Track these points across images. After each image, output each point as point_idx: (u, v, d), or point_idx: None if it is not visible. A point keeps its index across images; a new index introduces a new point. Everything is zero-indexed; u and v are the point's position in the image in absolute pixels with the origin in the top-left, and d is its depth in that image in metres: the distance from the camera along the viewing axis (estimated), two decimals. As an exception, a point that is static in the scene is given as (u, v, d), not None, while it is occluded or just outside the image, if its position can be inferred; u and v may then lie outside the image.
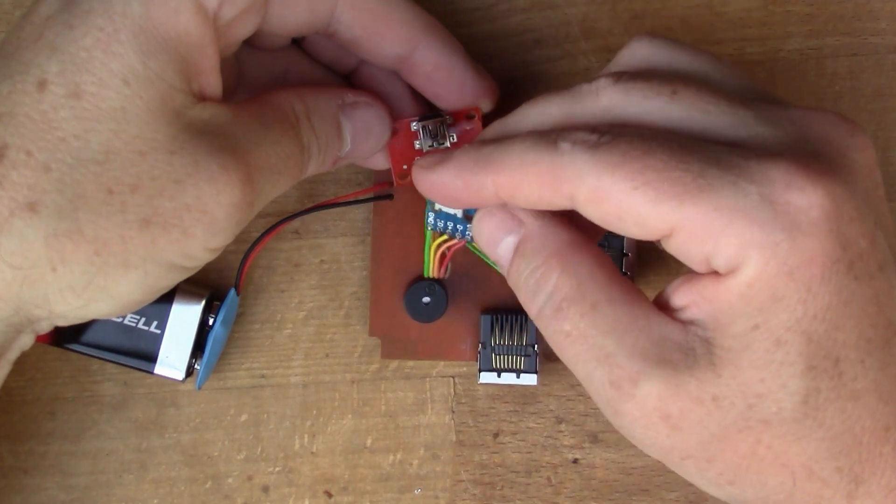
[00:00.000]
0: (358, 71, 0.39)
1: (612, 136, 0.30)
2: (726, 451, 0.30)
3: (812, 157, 0.30)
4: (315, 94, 0.36)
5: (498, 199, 0.32)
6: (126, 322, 0.40)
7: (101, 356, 0.40)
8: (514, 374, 0.41)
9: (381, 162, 0.39)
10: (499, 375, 0.41)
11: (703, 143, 0.30)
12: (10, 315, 0.32)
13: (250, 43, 0.36)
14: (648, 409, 0.30)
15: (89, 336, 0.40)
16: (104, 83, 0.31)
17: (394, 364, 0.42)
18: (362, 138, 0.37)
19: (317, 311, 0.42)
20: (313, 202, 0.41)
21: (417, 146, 0.39)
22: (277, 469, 0.42)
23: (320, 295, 0.42)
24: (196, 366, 0.40)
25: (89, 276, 0.32)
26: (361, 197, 0.41)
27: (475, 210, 0.34)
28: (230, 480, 0.42)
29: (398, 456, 0.42)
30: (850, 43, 0.42)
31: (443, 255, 0.40)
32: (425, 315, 0.41)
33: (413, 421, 0.42)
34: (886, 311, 0.30)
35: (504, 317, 0.41)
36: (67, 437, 0.42)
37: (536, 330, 0.40)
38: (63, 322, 0.33)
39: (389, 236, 0.41)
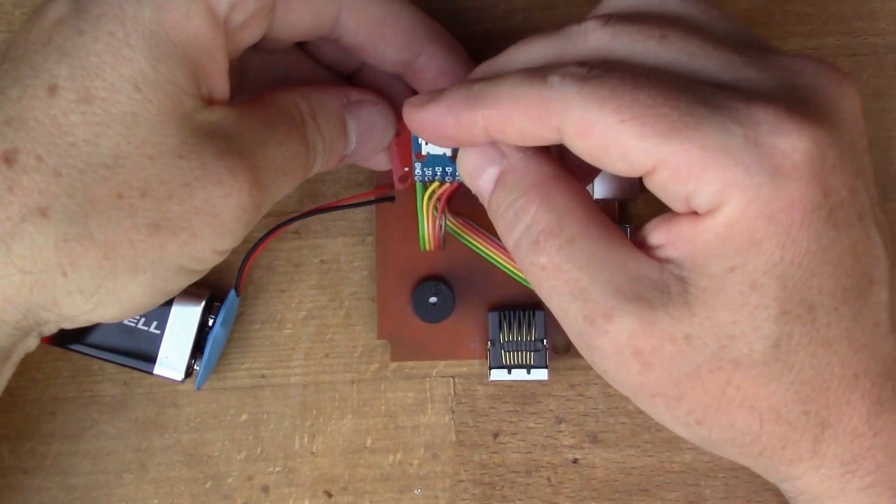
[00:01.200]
0: (360, 72, 0.39)
1: (602, 70, 0.30)
2: (696, 391, 0.31)
3: (800, 103, 0.30)
4: (319, 94, 0.36)
5: (488, 136, 0.32)
6: (126, 322, 0.40)
7: (101, 356, 0.40)
8: (524, 370, 0.41)
9: (382, 163, 0.39)
10: (509, 372, 0.41)
11: (692, 82, 0.30)
12: (19, 319, 0.32)
13: (253, 45, 0.36)
14: (621, 345, 0.30)
15: (90, 336, 0.40)
16: (115, 88, 0.31)
17: (394, 364, 0.42)
18: (367, 136, 0.37)
19: (317, 311, 0.42)
20: (314, 203, 0.41)
21: (417, 149, 0.39)
22: (277, 469, 0.42)
23: (320, 295, 0.42)
24: (196, 366, 0.41)
25: (99, 280, 0.32)
26: (363, 199, 0.41)
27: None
28: (230, 480, 0.42)
29: (398, 456, 0.42)
30: (850, 43, 0.42)
31: (435, 219, 0.39)
32: (433, 315, 0.41)
33: (413, 421, 0.42)
34: (863, 260, 0.30)
35: (512, 313, 0.41)
36: (68, 437, 0.42)
37: (545, 325, 0.41)
38: (71, 324, 0.33)
39: (393, 238, 0.41)
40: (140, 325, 0.40)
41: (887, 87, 0.42)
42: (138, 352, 0.40)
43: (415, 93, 0.39)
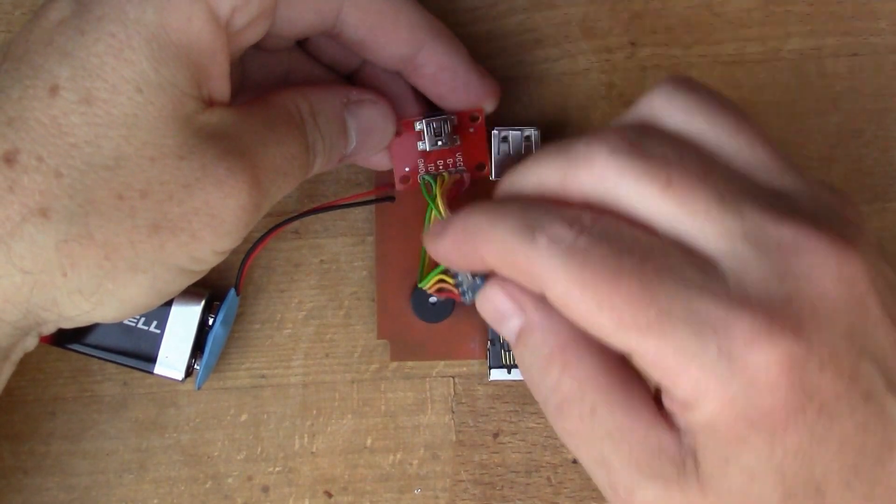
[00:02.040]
0: (361, 71, 0.39)
1: (588, 239, 0.30)
2: None
3: (782, 304, 0.29)
4: (319, 93, 0.36)
5: (489, 267, 0.32)
6: (126, 322, 0.40)
7: (101, 356, 0.40)
8: None
9: (383, 162, 0.39)
10: (509, 372, 0.41)
11: (678, 264, 0.29)
12: (18, 319, 0.32)
13: (255, 44, 0.36)
14: None
15: (89, 336, 0.40)
16: (116, 90, 0.31)
17: (394, 364, 0.42)
18: (367, 136, 0.37)
19: (317, 311, 0.42)
20: (314, 202, 0.41)
21: (421, 147, 0.39)
22: (277, 469, 0.42)
23: (320, 295, 0.42)
24: (196, 366, 0.40)
25: (98, 281, 0.32)
26: (363, 199, 0.41)
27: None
28: (230, 480, 0.42)
29: (398, 456, 0.42)
30: (850, 43, 0.42)
31: (440, 290, 0.38)
32: (433, 315, 0.41)
33: (413, 421, 0.42)
34: (877, 433, 0.29)
35: None
36: (67, 437, 0.42)
37: None
38: (70, 324, 0.33)
39: (393, 238, 0.41)
40: (140, 325, 0.40)
41: (887, 87, 0.42)
42: (138, 351, 0.40)
43: (416, 93, 0.39)
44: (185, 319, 0.40)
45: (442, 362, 0.42)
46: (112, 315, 0.33)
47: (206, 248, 0.33)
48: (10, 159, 0.31)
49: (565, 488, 0.42)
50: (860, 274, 0.29)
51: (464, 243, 0.33)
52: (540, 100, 0.42)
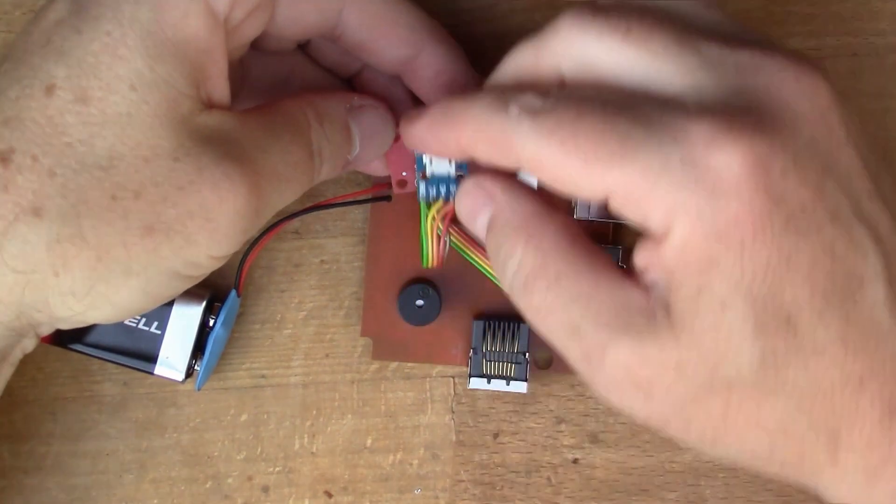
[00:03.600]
0: (360, 75, 0.39)
1: (555, 101, 0.31)
2: (700, 416, 0.30)
3: (742, 112, 0.29)
4: (325, 100, 0.36)
5: (464, 154, 0.33)
6: (127, 323, 0.40)
7: (101, 356, 0.40)
8: (504, 381, 0.41)
9: (380, 168, 0.39)
10: (489, 382, 0.41)
11: (638, 101, 0.30)
12: (11, 319, 0.32)
13: (256, 46, 0.36)
14: (619, 379, 0.30)
15: (90, 336, 0.40)
16: (111, 88, 0.31)
17: (394, 364, 0.42)
18: (369, 141, 0.37)
19: (317, 311, 0.42)
20: (313, 202, 0.41)
21: (421, 168, 0.39)
22: (277, 469, 0.42)
23: (320, 295, 0.42)
24: (196, 367, 0.40)
25: (91, 282, 0.32)
26: (360, 197, 0.41)
27: (465, 169, 0.36)
28: (230, 480, 0.42)
29: (398, 456, 0.42)
30: (850, 43, 0.42)
31: (439, 236, 0.38)
32: (418, 318, 0.41)
33: (413, 421, 0.42)
34: (846, 260, 0.29)
35: (497, 323, 0.41)
36: (68, 437, 0.42)
37: (528, 338, 0.41)
38: (64, 325, 0.33)
39: (386, 237, 0.41)
40: (141, 326, 0.40)
41: (887, 87, 0.42)
42: (139, 352, 0.40)
43: (414, 97, 0.39)
44: (185, 320, 0.40)
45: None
46: (104, 317, 0.33)
47: (202, 253, 0.32)
48: (5, 158, 0.31)
49: (565, 488, 0.42)
50: (822, 89, 0.30)
51: (441, 124, 0.33)
52: (540, 100, 0.42)
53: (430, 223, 0.38)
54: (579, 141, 0.29)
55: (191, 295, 0.40)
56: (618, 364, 0.30)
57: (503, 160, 0.32)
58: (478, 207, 0.34)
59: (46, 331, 0.34)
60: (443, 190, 0.37)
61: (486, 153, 0.32)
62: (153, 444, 0.42)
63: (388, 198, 0.41)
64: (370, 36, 0.37)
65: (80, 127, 0.31)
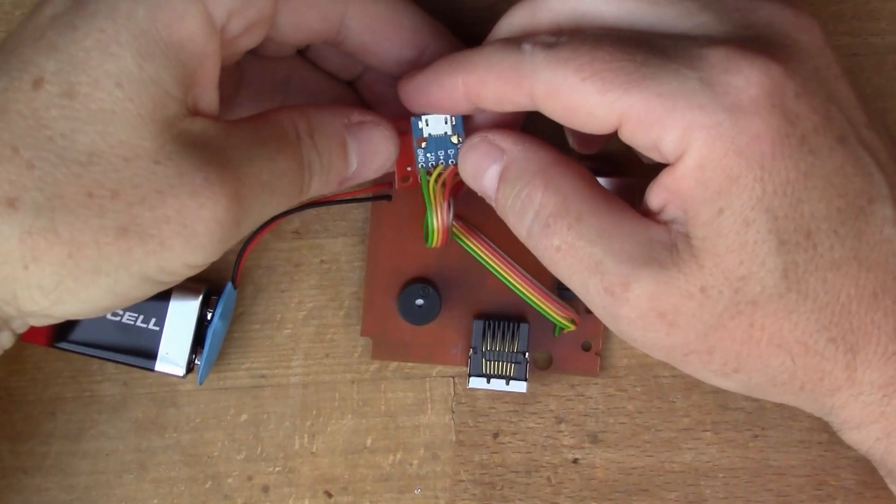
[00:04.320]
0: (362, 78, 0.39)
1: (569, 36, 0.32)
2: (724, 340, 0.31)
3: (753, 40, 0.31)
4: (320, 112, 0.35)
5: (469, 101, 0.34)
6: (124, 320, 0.40)
7: (100, 356, 0.40)
8: (503, 381, 0.41)
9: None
10: (488, 381, 0.41)
11: (650, 36, 0.31)
12: None
13: (254, 51, 0.36)
14: (644, 310, 0.31)
15: (89, 336, 0.40)
16: (98, 84, 0.31)
17: (394, 364, 0.42)
18: (369, 159, 0.36)
19: (317, 311, 0.42)
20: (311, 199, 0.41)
21: (418, 134, 0.38)
22: (277, 469, 0.42)
23: (320, 295, 0.42)
24: (196, 361, 0.40)
25: (59, 278, 0.31)
26: (360, 196, 0.41)
27: (462, 130, 0.36)
28: (230, 480, 0.42)
29: (398, 456, 0.42)
30: (850, 43, 0.42)
31: (445, 209, 0.38)
32: (418, 317, 0.41)
33: (413, 421, 0.42)
34: (855, 181, 0.31)
35: (496, 323, 0.41)
36: (67, 437, 0.42)
37: (528, 338, 0.41)
38: (34, 321, 0.33)
39: (386, 237, 0.41)
40: (139, 323, 0.40)
41: (887, 87, 0.42)
42: (138, 349, 0.40)
43: None
44: (183, 315, 0.40)
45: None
46: (72, 312, 0.33)
47: (176, 260, 0.32)
48: None
49: (565, 488, 0.42)
50: (816, 27, 0.32)
51: (446, 73, 0.34)
52: (540, 100, 0.42)
53: (433, 191, 0.37)
54: (596, 67, 0.31)
55: (187, 289, 0.40)
56: (642, 296, 0.31)
57: (515, 96, 0.32)
58: (486, 162, 0.35)
59: (19, 326, 0.33)
60: (441, 154, 0.37)
61: (496, 93, 0.33)
62: (153, 444, 0.42)
63: (388, 197, 0.41)
64: (373, 39, 0.37)
65: (63, 121, 0.31)
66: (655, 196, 0.32)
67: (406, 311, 0.41)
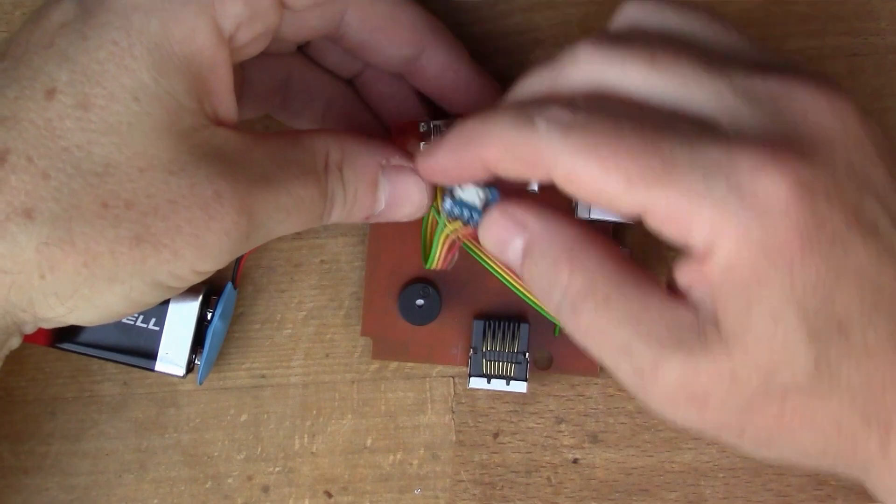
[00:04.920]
0: (362, 75, 0.39)
1: (586, 114, 0.31)
2: (756, 421, 0.31)
3: (783, 138, 0.30)
4: (357, 145, 0.35)
5: (489, 172, 0.33)
6: (125, 321, 0.40)
7: (101, 356, 0.40)
8: (504, 381, 0.41)
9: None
10: (489, 381, 0.41)
11: (675, 122, 0.30)
12: None
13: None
14: (674, 393, 0.31)
15: (88, 336, 0.40)
16: (114, 97, 0.31)
17: (394, 364, 0.42)
18: (399, 204, 0.36)
19: (317, 311, 0.42)
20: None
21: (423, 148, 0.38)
22: (277, 469, 0.42)
23: (320, 295, 0.42)
24: (196, 361, 0.40)
25: (75, 286, 0.32)
26: None
27: (494, 194, 0.35)
28: (230, 480, 0.42)
29: (398, 456, 0.42)
30: (850, 43, 0.42)
31: (452, 244, 0.38)
32: (418, 318, 0.41)
33: (413, 421, 0.42)
34: (891, 269, 0.30)
35: (497, 323, 0.41)
36: (67, 437, 0.42)
37: (528, 338, 0.41)
38: (47, 325, 0.33)
39: (386, 237, 0.41)
40: (139, 323, 0.40)
41: (887, 87, 0.42)
42: (138, 349, 0.40)
43: (419, 95, 0.39)
44: (183, 315, 0.40)
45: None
46: (87, 319, 0.33)
47: (187, 267, 0.32)
48: (0, 158, 0.31)
49: (565, 488, 0.42)
50: (852, 112, 0.31)
51: (461, 149, 0.33)
52: (540, 100, 0.42)
53: (445, 237, 0.37)
54: (621, 160, 0.30)
55: (187, 290, 0.40)
56: (671, 379, 0.31)
57: (533, 174, 0.32)
58: (508, 236, 0.34)
59: (30, 329, 0.34)
60: (466, 214, 0.36)
61: (514, 171, 0.32)
62: (153, 443, 0.42)
63: None
64: (372, 36, 0.37)
65: (79, 133, 0.31)
66: (683, 276, 0.31)
67: (406, 311, 0.41)
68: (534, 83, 0.33)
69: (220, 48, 0.32)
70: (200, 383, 0.41)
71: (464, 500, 0.42)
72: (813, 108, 0.31)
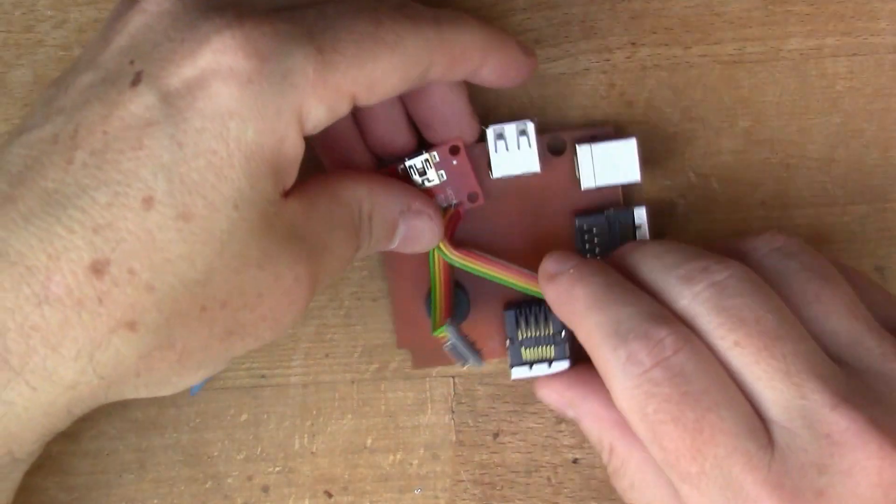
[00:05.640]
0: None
1: (663, 374, 0.32)
2: None
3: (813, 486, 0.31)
4: (385, 195, 0.36)
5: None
6: None
7: None
8: (546, 364, 0.40)
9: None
10: (531, 368, 0.40)
11: (729, 432, 0.32)
12: (84, 410, 0.33)
13: None
14: None
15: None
16: (215, 207, 0.31)
17: (394, 364, 0.42)
18: (410, 244, 0.38)
19: (317, 311, 0.42)
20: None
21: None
22: (277, 469, 0.42)
23: (320, 295, 0.42)
24: None
25: (167, 378, 0.33)
26: None
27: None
28: (230, 480, 0.42)
29: (398, 456, 0.42)
30: (850, 43, 0.42)
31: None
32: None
33: (413, 421, 0.42)
34: None
35: (528, 309, 0.40)
36: (67, 437, 0.42)
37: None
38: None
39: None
40: None
41: (887, 87, 0.42)
42: None
43: (409, 122, 0.39)
44: None
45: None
46: (161, 394, 0.34)
47: (260, 344, 0.34)
48: (98, 270, 0.30)
49: (565, 488, 0.42)
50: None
51: (564, 304, 0.36)
52: (540, 100, 0.42)
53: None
54: (666, 444, 0.32)
55: None
56: None
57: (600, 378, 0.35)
58: (560, 405, 0.39)
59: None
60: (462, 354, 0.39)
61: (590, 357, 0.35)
62: (153, 443, 0.42)
63: None
64: (432, 121, 0.38)
65: (182, 244, 0.31)
66: None
67: None
68: (661, 274, 0.35)
69: (302, 146, 0.33)
70: (193, 394, 0.41)
71: (464, 500, 0.42)
72: (860, 472, 0.31)
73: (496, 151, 0.39)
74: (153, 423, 0.42)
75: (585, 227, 0.40)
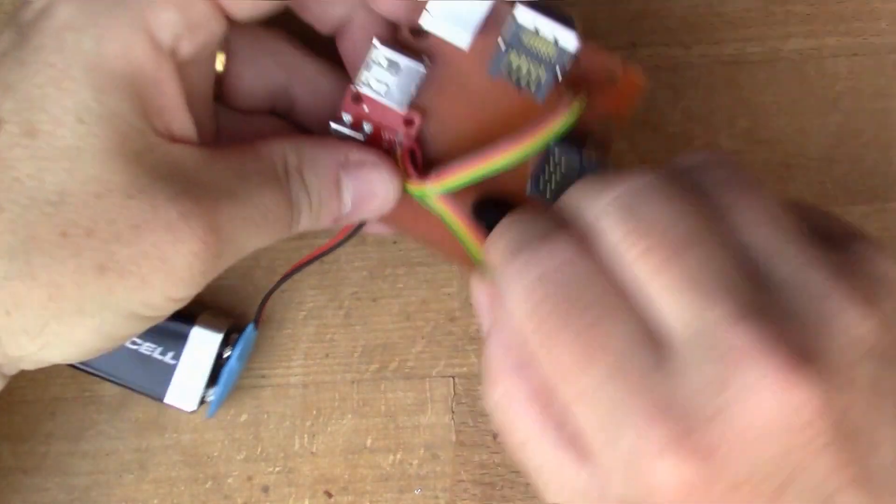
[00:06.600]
0: (346, 29, 0.37)
1: (555, 281, 0.30)
2: None
3: (705, 424, 0.28)
4: (314, 147, 0.35)
5: None
6: (142, 351, 0.39)
7: (112, 380, 0.40)
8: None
9: (381, 229, 0.38)
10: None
11: (624, 341, 0.29)
12: None
13: (226, 103, 0.36)
14: None
15: (102, 364, 0.40)
16: (58, 121, 0.30)
17: (394, 364, 0.42)
18: (366, 201, 0.36)
19: (317, 311, 0.42)
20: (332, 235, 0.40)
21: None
22: (277, 469, 0.42)
23: (320, 295, 0.42)
24: (208, 398, 0.40)
25: (43, 321, 0.31)
26: (338, 241, 0.39)
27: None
28: (230, 480, 0.42)
29: (398, 456, 0.42)
30: (850, 43, 0.42)
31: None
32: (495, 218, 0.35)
33: (413, 421, 0.42)
34: None
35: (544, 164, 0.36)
36: (67, 437, 0.42)
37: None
38: (24, 366, 0.32)
39: (416, 226, 0.38)
40: (156, 355, 0.39)
41: (887, 87, 0.42)
42: (151, 379, 0.40)
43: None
44: (201, 353, 0.39)
45: (442, 362, 0.42)
46: (62, 357, 0.32)
47: (158, 295, 0.31)
48: None
49: (565, 488, 0.42)
50: (807, 403, 0.27)
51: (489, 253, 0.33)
52: (540, 100, 0.42)
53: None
54: (556, 353, 0.30)
55: (209, 325, 0.40)
56: None
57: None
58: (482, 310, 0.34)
59: (9, 371, 0.33)
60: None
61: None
62: (153, 444, 0.42)
63: (361, 225, 0.38)
64: None
65: (29, 161, 0.30)
66: None
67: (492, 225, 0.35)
68: (579, 197, 0.32)
69: (160, 63, 0.31)
70: (210, 416, 0.41)
71: (464, 500, 0.42)
72: (759, 392, 0.27)
73: None
74: (153, 423, 0.42)
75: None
